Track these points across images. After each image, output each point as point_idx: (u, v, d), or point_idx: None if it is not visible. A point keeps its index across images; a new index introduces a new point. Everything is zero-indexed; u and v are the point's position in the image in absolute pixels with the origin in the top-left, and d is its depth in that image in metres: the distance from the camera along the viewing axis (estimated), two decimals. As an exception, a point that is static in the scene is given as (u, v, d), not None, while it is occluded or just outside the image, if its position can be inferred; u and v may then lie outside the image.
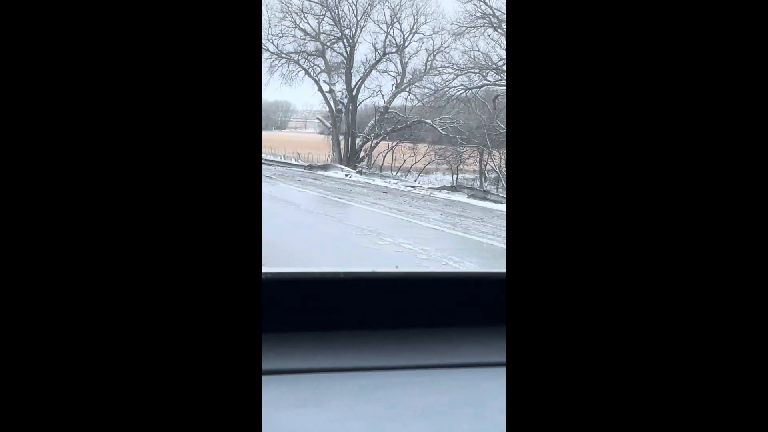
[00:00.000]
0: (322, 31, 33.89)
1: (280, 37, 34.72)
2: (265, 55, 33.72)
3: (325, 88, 33.36)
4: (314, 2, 33.40)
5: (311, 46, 34.90)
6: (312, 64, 34.93)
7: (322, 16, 33.54)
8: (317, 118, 37.59)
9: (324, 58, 33.87)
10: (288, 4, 34.02)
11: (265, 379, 0.87)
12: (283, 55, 35.10)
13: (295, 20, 34.51)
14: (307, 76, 34.45)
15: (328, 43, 33.34)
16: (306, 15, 34.39)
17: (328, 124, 33.47)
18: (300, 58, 34.76)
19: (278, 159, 25.13)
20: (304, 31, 34.91)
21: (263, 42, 33.62)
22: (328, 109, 33.27)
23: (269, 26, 33.98)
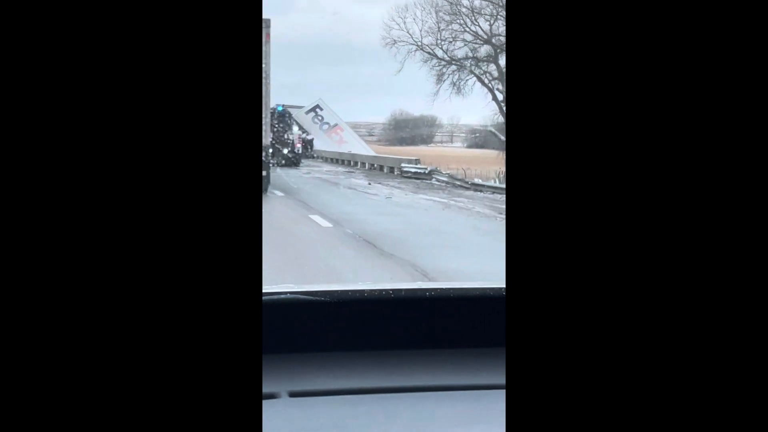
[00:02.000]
0: (494, 33, 28.90)
1: (451, 42, 30.37)
2: (432, 62, 29.83)
3: (500, 97, 28.27)
4: (487, 1, 28.49)
5: (482, 51, 30.23)
6: (483, 71, 30.40)
7: (495, 17, 28.54)
8: (490, 131, 32.78)
9: (497, 63, 28.83)
10: (457, 5, 29.40)
11: (265, 403, 0.87)
12: (454, 62, 30.76)
13: (465, 22, 30.00)
14: (469, 85, 29.85)
15: (501, 47, 28.24)
16: (476, 16, 29.72)
17: (502, 137, 28.32)
18: (470, 64, 30.25)
19: (491, 183, 19.80)
20: (474, 34, 30.39)
21: (431, 47, 29.71)
22: (503, 119, 28.08)
23: (438, 30, 30.07)
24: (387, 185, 18.55)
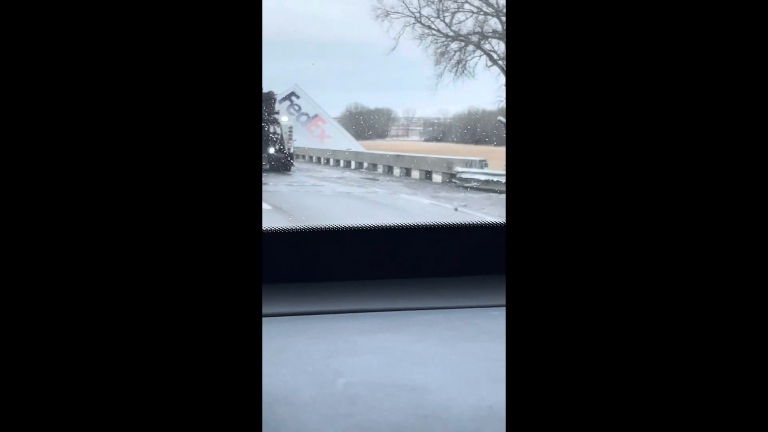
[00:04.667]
0: (501, 6, 21.75)
1: (455, 13, 23.35)
2: (431, 38, 22.79)
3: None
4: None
5: (486, 27, 23.20)
6: (490, 49, 23.43)
7: (502, -14, 21.45)
8: (498, 120, 25.74)
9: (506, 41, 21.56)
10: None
11: (278, 319, 0.94)
12: (460, 37, 23.80)
13: (470, -9, 22.86)
14: (470, 66, 22.99)
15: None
16: (481, -15, 22.55)
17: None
18: (478, 39, 23.23)
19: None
20: (479, 8, 23.32)
21: (431, 20, 22.73)
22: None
23: (439, 0, 23.09)
24: (475, 208, 11.00)
